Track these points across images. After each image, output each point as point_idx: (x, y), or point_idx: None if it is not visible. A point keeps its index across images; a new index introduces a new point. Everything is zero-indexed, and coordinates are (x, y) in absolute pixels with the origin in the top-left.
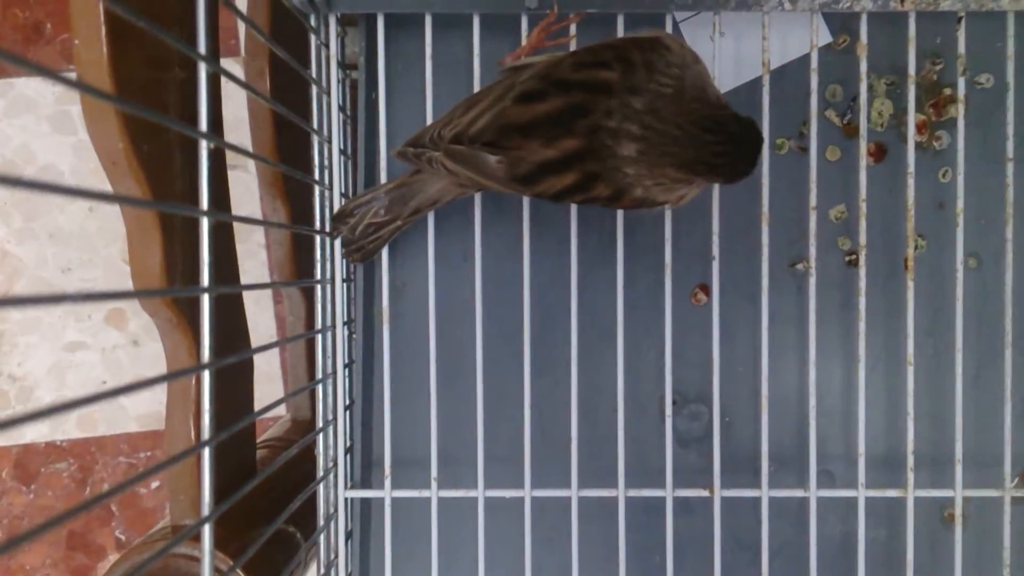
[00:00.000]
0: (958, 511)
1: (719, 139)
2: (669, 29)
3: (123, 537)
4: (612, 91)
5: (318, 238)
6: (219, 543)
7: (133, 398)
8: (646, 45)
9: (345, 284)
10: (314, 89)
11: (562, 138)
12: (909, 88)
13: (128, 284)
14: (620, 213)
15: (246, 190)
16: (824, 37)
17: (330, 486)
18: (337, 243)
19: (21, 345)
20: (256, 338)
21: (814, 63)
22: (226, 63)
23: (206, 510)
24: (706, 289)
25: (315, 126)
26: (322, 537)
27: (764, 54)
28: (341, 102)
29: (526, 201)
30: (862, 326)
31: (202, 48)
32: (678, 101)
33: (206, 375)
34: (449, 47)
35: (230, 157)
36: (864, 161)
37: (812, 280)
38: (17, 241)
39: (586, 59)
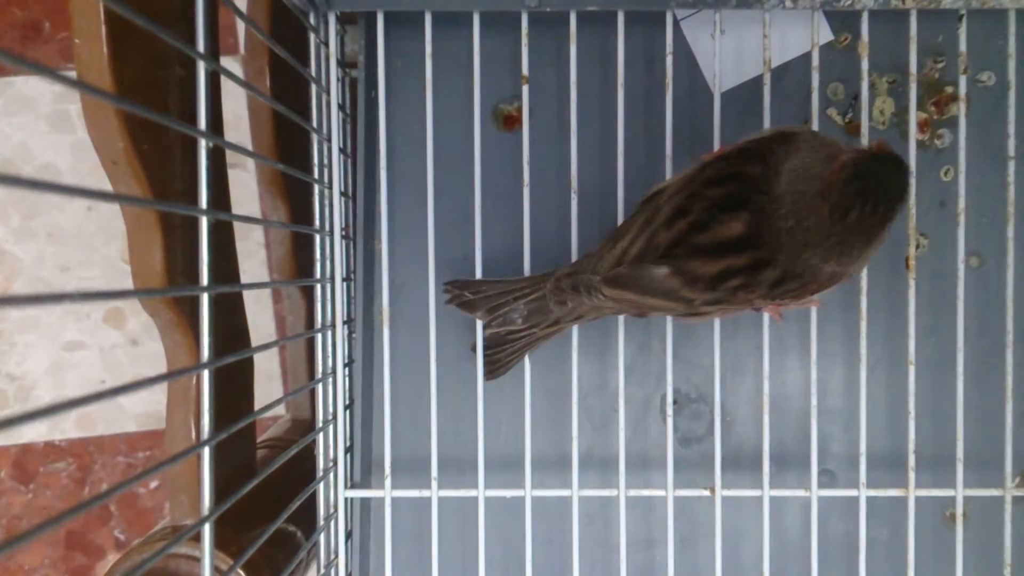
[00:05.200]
0: (959, 510)
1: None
2: (669, 26)
3: (122, 537)
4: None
5: (318, 237)
6: (219, 543)
7: (132, 398)
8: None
9: (345, 283)
10: (313, 88)
11: (728, 222)
12: (910, 86)
13: (127, 283)
14: (620, 210)
15: (246, 189)
16: (825, 35)
17: (330, 486)
18: (337, 241)
19: (20, 344)
20: (256, 337)
21: (815, 61)
22: (226, 62)
23: (206, 510)
24: None
25: (315, 125)
26: (322, 537)
27: (765, 52)
28: (340, 101)
29: (527, 200)
30: (863, 325)
31: (201, 47)
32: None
33: (205, 374)
34: (449, 45)
35: (230, 156)
36: None
37: None
38: (16, 240)
39: (720, 168)
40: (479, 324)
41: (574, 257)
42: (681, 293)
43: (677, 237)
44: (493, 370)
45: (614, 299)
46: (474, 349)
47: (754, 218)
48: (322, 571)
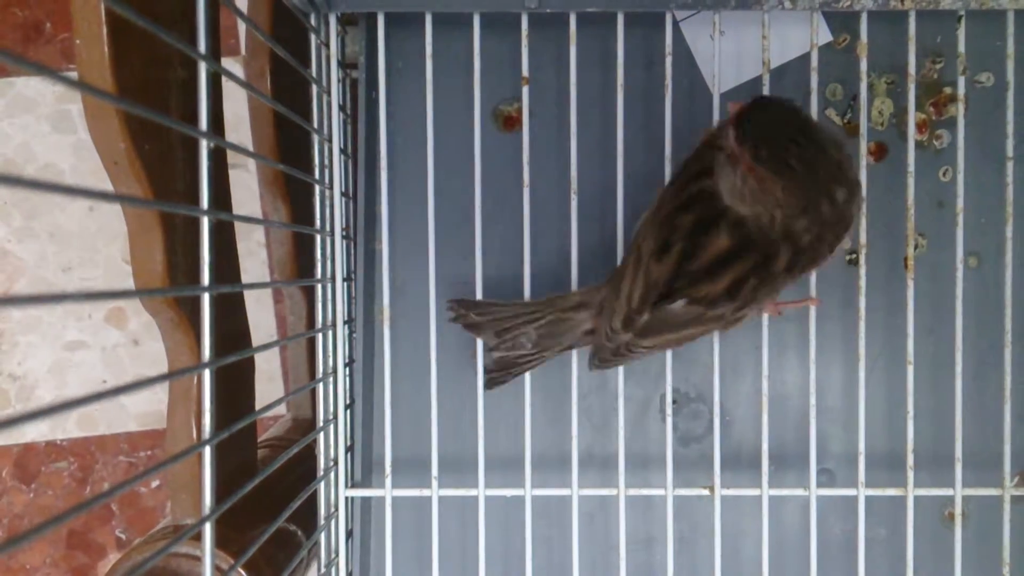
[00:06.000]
0: (958, 510)
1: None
2: (669, 27)
3: (123, 536)
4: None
5: (319, 237)
6: (220, 542)
7: (133, 397)
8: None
9: (346, 283)
10: (314, 88)
11: (711, 241)
12: (909, 87)
13: (128, 283)
14: (620, 210)
15: (247, 189)
16: (824, 36)
17: (331, 485)
18: (338, 241)
19: (21, 344)
20: (257, 337)
21: (814, 62)
22: (227, 62)
23: (207, 509)
24: None
25: (315, 125)
26: (323, 536)
27: (764, 53)
28: (341, 101)
29: (526, 200)
30: (862, 325)
31: (202, 47)
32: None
33: (206, 374)
34: (449, 46)
35: (231, 156)
36: (864, 160)
37: (812, 279)
38: (17, 240)
39: (678, 193)
40: (479, 343)
41: (574, 259)
42: (708, 315)
43: (673, 270)
44: (494, 385)
45: (654, 345)
46: (474, 357)
47: (734, 225)
48: (323, 570)
